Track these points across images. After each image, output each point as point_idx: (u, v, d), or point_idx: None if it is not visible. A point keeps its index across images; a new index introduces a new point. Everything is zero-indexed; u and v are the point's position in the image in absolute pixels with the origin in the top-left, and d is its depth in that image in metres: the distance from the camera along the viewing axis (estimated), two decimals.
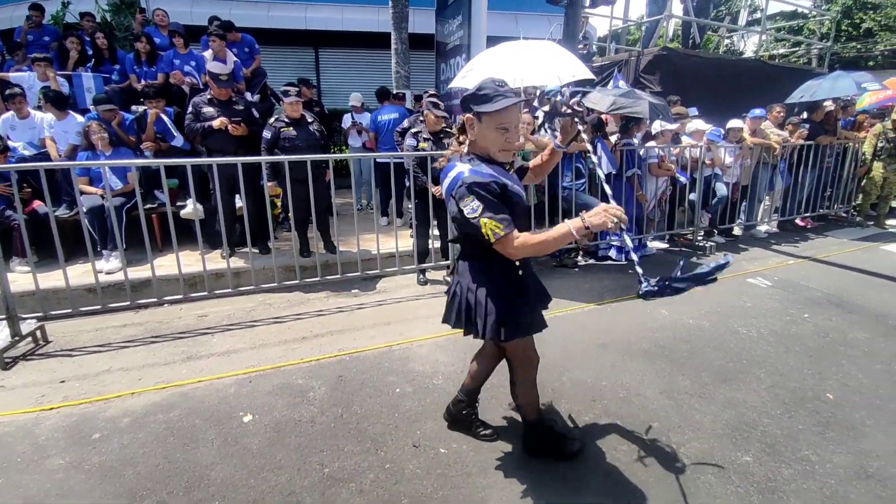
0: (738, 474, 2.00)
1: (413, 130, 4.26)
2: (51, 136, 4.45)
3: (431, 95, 4.41)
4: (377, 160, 5.34)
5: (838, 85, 6.08)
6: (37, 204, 4.02)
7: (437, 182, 4.07)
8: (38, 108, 4.73)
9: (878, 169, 6.29)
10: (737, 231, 6.14)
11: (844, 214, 6.93)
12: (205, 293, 3.63)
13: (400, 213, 5.75)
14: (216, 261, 4.11)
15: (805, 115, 6.26)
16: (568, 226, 1.52)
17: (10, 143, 4.26)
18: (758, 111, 5.78)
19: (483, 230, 1.57)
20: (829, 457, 2.11)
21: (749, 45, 16.07)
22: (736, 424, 2.31)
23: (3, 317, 3.02)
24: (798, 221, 6.45)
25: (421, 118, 4.96)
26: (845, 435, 2.25)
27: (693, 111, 6.18)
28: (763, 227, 6.28)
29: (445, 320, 1.92)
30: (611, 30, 9.67)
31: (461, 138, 1.76)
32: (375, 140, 6.09)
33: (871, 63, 17.65)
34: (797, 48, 13.83)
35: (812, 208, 6.36)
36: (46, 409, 2.46)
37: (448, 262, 4.28)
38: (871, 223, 6.50)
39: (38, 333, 3.15)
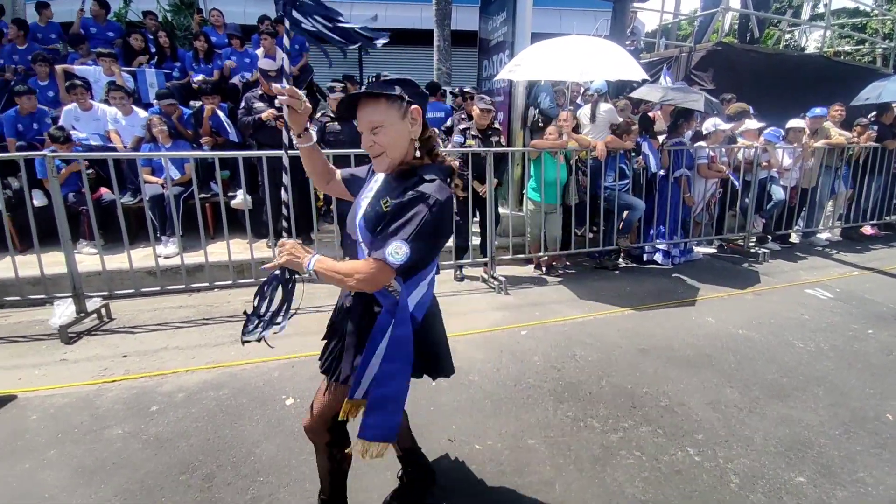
0: (791, 495, 1.89)
1: (461, 127, 4.27)
2: (115, 129, 4.76)
3: (474, 90, 4.41)
4: None
5: None
6: (103, 191, 4.32)
7: (480, 180, 4.11)
8: (105, 101, 5.06)
9: None
10: (794, 238, 5.78)
11: None
12: (252, 280, 3.79)
13: None
14: (262, 249, 4.28)
15: (872, 116, 5.80)
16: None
17: (75, 133, 4.57)
18: (818, 110, 5.41)
19: None
20: (883, 478, 1.98)
21: (811, 42, 15.03)
22: (790, 443, 2.19)
23: (70, 294, 3.27)
24: (864, 230, 6.00)
25: (463, 115, 4.98)
26: None
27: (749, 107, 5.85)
28: (825, 235, 5.88)
29: None
30: (660, 24, 9.29)
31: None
32: None
33: None
34: (861, 46, 12.79)
35: (878, 216, 5.89)
36: (108, 381, 2.65)
37: (486, 259, 4.27)
38: None
39: (103, 311, 3.40)
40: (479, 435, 2.22)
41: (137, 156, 3.71)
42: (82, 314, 3.27)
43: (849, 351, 3.06)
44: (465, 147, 4.08)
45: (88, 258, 3.98)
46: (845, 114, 5.74)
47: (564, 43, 3.89)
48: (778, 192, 5.14)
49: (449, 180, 1.36)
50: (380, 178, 1.43)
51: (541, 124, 5.17)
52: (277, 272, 1.47)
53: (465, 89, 5.34)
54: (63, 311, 3.19)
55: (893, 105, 5.68)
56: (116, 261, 3.73)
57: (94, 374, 2.72)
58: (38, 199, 4.08)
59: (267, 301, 1.47)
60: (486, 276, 4.24)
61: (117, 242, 3.66)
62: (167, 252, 4.12)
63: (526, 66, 3.86)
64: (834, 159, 5.41)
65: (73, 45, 5.95)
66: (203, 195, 4.66)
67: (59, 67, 5.26)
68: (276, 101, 1.71)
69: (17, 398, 2.48)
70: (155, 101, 5.13)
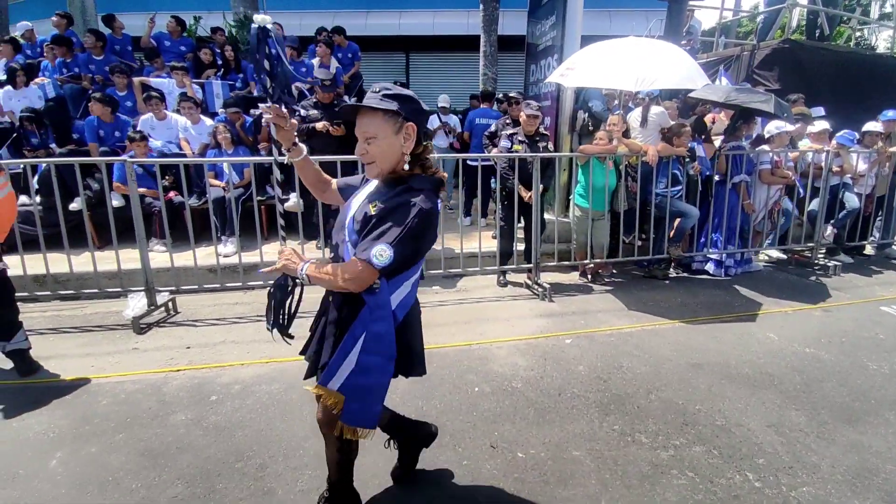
0: None
1: (508, 132, 4.26)
2: (184, 137, 5.15)
3: (520, 95, 4.38)
4: (467, 161, 5.43)
5: None
6: (173, 194, 4.67)
7: (526, 185, 4.08)
8: (177, 111, 5.48)
9: None
10: (869, 250, 5.31)
11: None
12: None
13: (484, 213, 5.80)
14: (312, 251, 4.47)
15: None
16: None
17: (151, 141, 4.99)
18: (891, 113, 4.95)
19: None
20: None
21: (882, 41, 13.75)
22: (857, 471, 2.01)
23: (143, 288, 3.56)
24: None
25: (507, 120, 4.96)
26: None
27: (819, 111, 5.45)
28: None
29: None
30: (719, 22, 8.84)
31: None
32: (469, 140, 6.18)
33: None
34: None
35: None
36: (174, 370, 2.85)
37: (531, 265, 4.23)
38: None
39: (170, 304, 3.67)
40: (521, 443, 2.20)
41: (204, 161, 3.98)
42: (153, 307, 3.54)
43: None
44: (513, 152, 4.07)
45: (158, 255, 4.32)
46: None
47: (620, 46, 3.78)
48: (852, 200, 4.75)
49: (437, 191, 1.44)
50: (373, 183, 1.51)
51: (591, 128, 5.07)
52: (280, 277, 1.56)
53: (511, 94, 5.34)
54: (136, 303, 3.48)
55: None
56: (182, 258, 4.01)
57: (161, 363, 2.94)
58: (116, 200, 4.48)
59: (273, 302, 1.58)
60: (529, 283, 4.20)
61: (184, 241, 3.94)
62: (226, 251, 4.39)
63: (579, 70, 3.79)
64: None
65: (149, 59, 6.46)
66: (259, 198, 4.94)
67: (136, 80, 5.75)
68: (263, 120, 1.82)
69: (90, 382, 2.72)
70: (220, 110, 5.49)
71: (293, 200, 4.46)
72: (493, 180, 4.41)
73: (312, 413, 2.40)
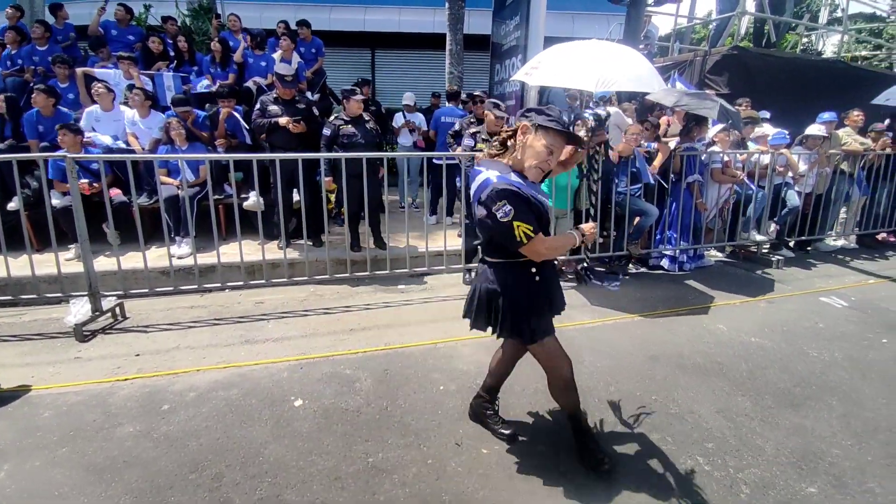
0: None
1: (471, 131, 4.28)
2: (132, 132, 4.86)
3: (484, 94, 4.42)
4: (433, 160, 5.42)
5: None
6: (114, 193, 4.35)
7: None
8: (124, 103, 5.17)
9: None
10: (813, 246, 5.68)
11: None
12: (262, 281, 3.84)
13: (450, 211, 5.80)
14: (273, 251, 4.33)
15: (888, 122, 5.69)
16: (574, 234, 1.88)
17: (95, 135, 4.66)
18: (827, 115, 5.31)
19: (515, 232, 1.68)
20: (893, 488, 1.94)
21: (828, 46, 14.78)
22: (802, 453, 2.15)
23: (86, 293, 3.34)
24: (879, 237, 5.87)
25: (472, 119, 4.99)
26: None
27: (764, 114, 5.77)
28: (840, 242, 5.77)
29: (465, 315, 2.03)
30: (675, 28, 9.22)
31: (509, 143, 1.84)
32: (434, 139, 6.16)
33: None
34: (878, 52, 12.55)
35: (894, 223, 5.76)
36: (121, 379, 2.69)
37: None
38: None
39: (117, 310, 3.46)
40: (486, 440, 2.22)
41: (155, 158, 3.78)
42: (97, 313, 3.33)
43: (863, 360, 3.00)
44: (476, 150, 4.09)
45: (104, 258, 4.07)
46: (864, 119, 5.64)
47: (582, 48, 3.85)
48: (793, 199, 5.06)
49: None
50: (524, 182, 1.79)
51: None
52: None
53: (475, 93, 5.37)
54: (78, 309, 3.26)
55: None
56: (131, 260, 3.81)
57: (107, 372, 2.77)
58: (56, 199, 4.18)
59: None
60: None
61: (132, 242, 3.73)
62: (181, 252, 4.19)
63: (543, 69, 3.84)
64: (848, 165, 5.31)
65: (94, 49, 6.08)
66: (217, 196, 4.74)
67: (79, 70, 5.38)
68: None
69: (30, 393, 2.54)
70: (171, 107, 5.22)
71: (253, 199, 4.32)
72: (458, 179, 4.42)
73: (273, 417, 2.34)
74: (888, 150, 5.40)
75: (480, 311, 1.91)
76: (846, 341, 3.26)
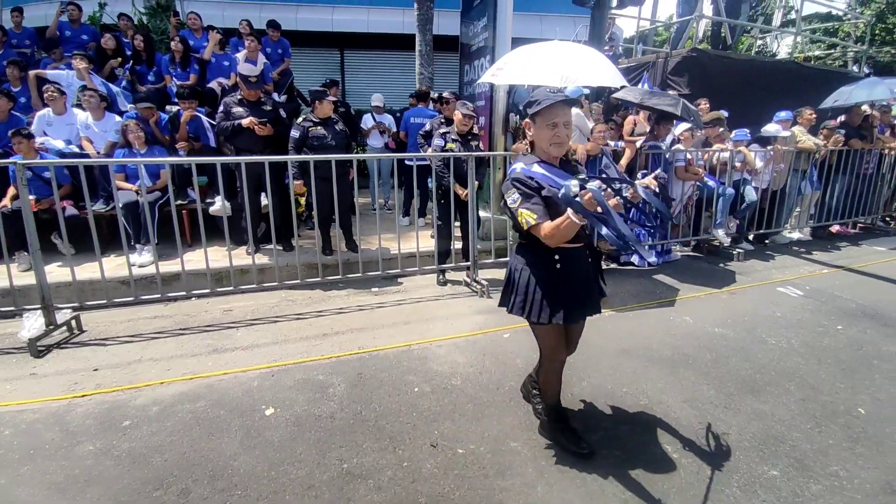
0: (765, 488, 1.94)
1: (441, 131, 4.28)
2: (86, 136, 4.63)
3: (454, 95, 4.43)
4: (404, 161, 5.39)
5: (875, 91, 5.86)
6: (66, 204, 4.11)
7: (462, 183, 4.12)
8: (77, 105, 4.92)
9: None
10: (770, 239, 5.95)
11: (882, 224, 6.65)
12: (230, 288, 3.73)
13: (422, 212, 5.79)
14: (242, 257, 4.21)
15: (841, 118, 6.03)
16: (570, 215, 1.67)
17: (46, 139, 4.43)
18: (783, 114, 5.59)
19: (520, 218, 1.82)
20: (857, 472, 2.03)
21: (783, 47, 15.56)
22: (763, 437, 2.25)
23: (39, 307, 3.16)
24: (833, 229, 6.21)
25: (441, 119, 4.99)
26: (875, 451, 2.17)
27: (722, 113, 6.01)
28: (795, 235, 6.07)
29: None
30: (638, 31, 9.50)
31: (525, 141, 1.98)
32: (405, 140, 6.13)
33: None
34: (832, 51, 13.30)
35: (846, 216, 6.11)
36: (79, 396, 2.56)
37: (468, 263, 4.29)
38: None
39: (73, 323, 3.29)
40: (461, 439, 2.22)
41: (110, 162, 3.61)
42: (51, 326, 3.16)
43: (819, 347, 3.16)
44: (446, 151, 4.10)
45: (58, 269, 3.86)
46: (816, 117, 5.95)
47: (547, 48, 3.94)
48: (751, 194, 5.29)
49: None
50: (549, 174, 1.84)
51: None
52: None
53: (444, 94, 5.38)
54: (32, 323, 3.09)
55: (861, 107, 5.92)
56: (88, 270, 3.62)
57: (64, 388, 2.63)
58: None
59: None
60: (468, 280, 4.25)
61: (88, 252, 3.55)
62: (142, 261, 4.02)
63: (508, 69, 3.89)
64: (801, 162, 5.60)
65: (47, 50, 5.79)
66: (180, 202, 4.58)
67: (31, 73, 5.11)
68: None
69: None
70: (130, 107, 5.02)
71: (218, 204, 4.20)
72: (429, 180, 4.42)
73: (243, 428, 2.27)
74: (839, 147, 5.72)
75: (503, 289, 2.06)
76: (802, 328, 3.43)
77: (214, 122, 4.48)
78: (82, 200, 3.46)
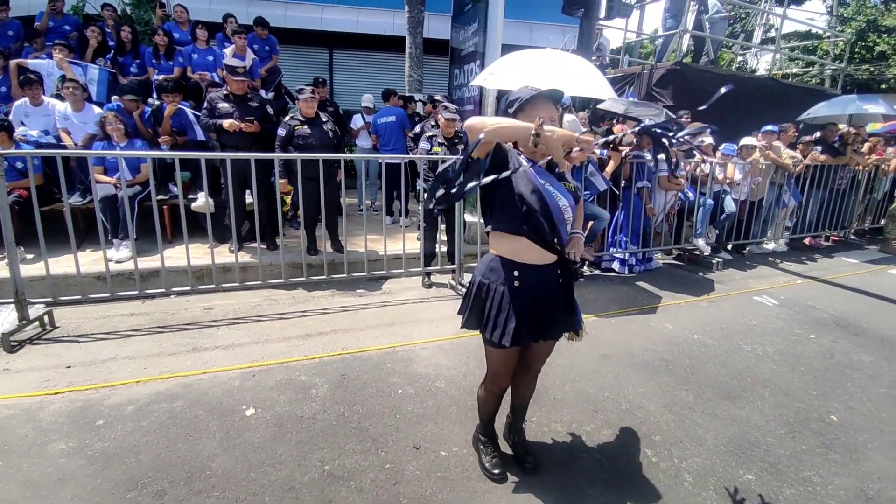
0: (740, 492, 1.99)
1: (428, 134, 4.29)
2: (64, 127, 4.51)
3: (445, 98, 4.44)
4: (387, 161, 5.37)
5: (850, 108, 6.10)
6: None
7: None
8: (56, 95, 4.79)
9: None
10: (748, 249, 6.11)
11: (854, 237, 6.91)
12: (212, 286, 3.66)
13: (406, 212, 5.78)
14: (224, 255, 4.14)
15: (817, 134, 6.26)
16: (531, 126, 1.46)
17: (24, 129, 4.30)
18: (770, 127, 5.77)
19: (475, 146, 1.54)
20: (830, 478, 2.09)
21: (762, 64, 16.09)
22: (739, 442, 2.30)
23: (12, 300, 3.05)
24: (807, 241, 6.42)
25: (433, 122, 5.01)
26: (847, 457, 2.24)
27: (713, 128, 6.17)
28: (771, 245, 6.26)
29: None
30: (625, 42, 9.70)
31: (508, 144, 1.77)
32: (377, 142, 6.13)
33: (883, 86, 17.58)
34: (810, 68, 13.82)
35: (820, 228, 6.33)
36: (51, 393, 2.48)
37: (454, 265, 4.30)
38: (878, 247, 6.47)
39: (46, 318, 3.18)
40: (444, 442, 2.22)
41: (88, 154, 3.51)
42: (24, 322, 3.05)
43: (792, 354, 3.26)
44: (432, 154, 4.10)
45: (32, 263, 3.73)
46: (797, 134, 6.15)
47: (537, 55, 3.99)
48: (730, 205, 5.44)
49: None
50: (528, 168, 1.66)
51: None
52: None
53: (436, 97, 5.40)
54: (5, 317, 2.98)
55: (837, 124, 6.17)
56: (62, 265, 3.51)
57: (36, 385, 2.54)
58: None
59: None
60: (454, 283, 4.26)
61: (63, 245, 3.44)
62: (119, 256, 3.91)
63: (498, 74, 3.93)
64: (778, 177, 5.78)
65: (29, 40, 5.64)
66: (161, 197, 4.48)
67: (12, 62, 4.95)
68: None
69: None
70: (114, 98, 4.90)
71: (201, 200, 4.12)
72: (418, 181, 4.42)
73: (222, 428, 2.23)
74: (816, 162, 5.92)
75: (464, 295, 1.85)
76: (777, 336, 3.53)
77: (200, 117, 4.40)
78: (58, 192, 3.35)
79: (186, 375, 2.67)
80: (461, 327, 1.83)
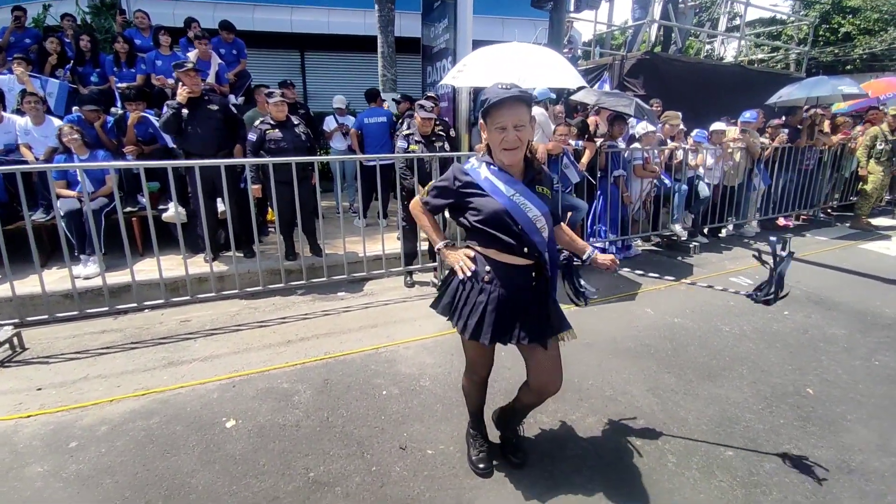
0: (722, 469, 2.02)
1: (404, 132, 4.25)
2: (25, 142, 4.34)
3: (428, 97, 4.41)
4: (364, 162, 5.32)
5: (815, 90, 6.27)
6: None
7: (424, 184, 4.10)
8: (17, 111, 4.61)
9: (878, 171, 6.43)
10: (723, 232, 6.25)
11: (823, 215, 7.11)
12: (187, 297, 3.57)
13: (385, 213, 5.73)
14: (200, 265, 4.04)
15: (784, 118, 6.42)
16: (438, 242, 1.81)
17: None
18: (748, 114, 5.85)
19: (421, 192, 1.83)
20: (810, 451, 2.14)
21: (729, 51, 16.47)
22: (719, 420, 2.34)
23: None
24: (779, 221, 6.59)
25: (413, 120, 4.97)
26: (826, 429, 2.29)
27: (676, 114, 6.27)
28: (745, 227, 6.40)
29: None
30: (595, 34, 9.80)
31: (481, 144, 1.77)
32: (360, 141, 6.05)
33: (849, 67, 18.12)
34: (775, 53, 14.17)
35: (790, 208, 6.50)
36: (24, 416, 2.39)
37: (436, 264, 4.27)
38: (848, 224, 6.68)
39: (15, 340, 3.06)
40: (430, 440, 2.20)
41: (48, 168, 3.38)
42: None
43: (768, 332, 3.34)
44: (409, 153, 4.07)
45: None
46: (764, 120, 6.29)
47: (506, 49, 3.98)
48: (704, 190, 5.54)
49: None
50: (496, 181, 1.65)
51: None
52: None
53: (420, 102, 5.35)
54: None
55: (802, 107, 6.33)
56: (28, 285, 3.38)
57: (8, 409, 2.45)
58: None
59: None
60: (436, 281, 4.24)
61: (30, 264, 3.30)
62: (87, 272, 3.77)
63: (468, 71, 3.91)
64: (747, 161, 5.92)
65: None
66: (129, 209, 4.35)
67: None
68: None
69: None
70: (75, 109, 4.73)
71: (172, 210, 4.01)
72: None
73: (201, 443, 2.16)
74: (783, 145, 6.08)
75: (439, 286, 1.89)
76: (753, 315, 3.60)
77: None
78: (21, 210, 3.22)
79: (162, 391, 2.59)
80: (430, 306, 1.87)
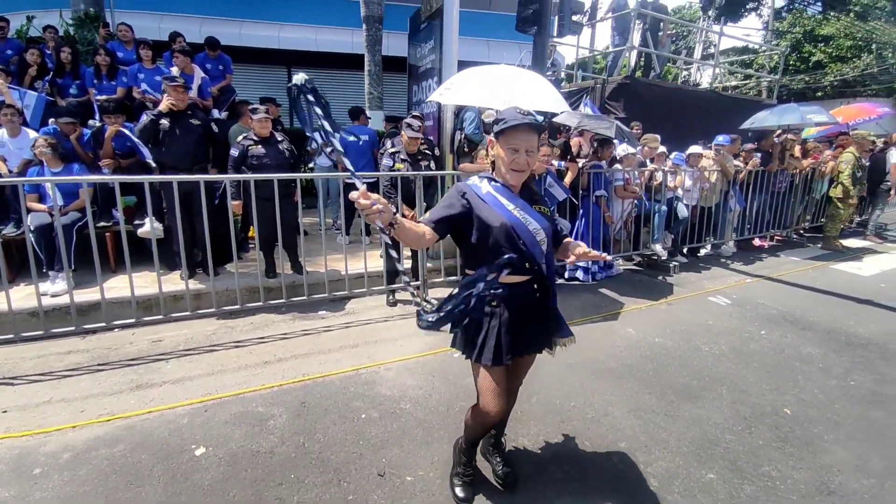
0: (703, 492, 2.01)
1: (390, 151, 4.25)
2: (0, 155, 4.22)
3: (414, 117, 4.44)
4: (346, 180, 5.29)
5: (785, 117, 6.53)
6: None
7: (410, 203, 4.10)
8: None
9: (855, 194, 6.66)
10: (702, 252, 6.38)
11: (796, 236, 7.34)
12: (160, 316, 3.45)
13: (368, 231, 5.69)
14: (175, 282, 3.93)
15: (756, 144, 6.66)
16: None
17: None
18: (721, 138, 6.05)
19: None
20: (789, 472, 2.15)
21: (705, 77, 17.15)
22: (700, 442, 2.34)
23: None
24: (755, 242, 6.76)
25: (399, 139, 4.99)
26: (805, 450, 2.31)
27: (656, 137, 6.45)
28: (722, 247, 6.55)
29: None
30: (578, 58, 10.08)
31: (487, 158, 1.85)
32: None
33: (819, 94, 18.96)
34: (748, 80, 14.79)
35: (765, 229, 6.69)
36: None
37: (418, 282, 4.24)
38: (820, 245, 6.90)
39: None
40: (410, 466, 2.14)
41: (19, 181, 3.27)
42: None
43: (746, 351, 3.38)
44: (395, 171, 4.08)
45: None
46: (741, 143, 6.51)
47: (493, 71, 4.05)
48: (682, 211, 5.67)
49: None
50: (499, 196, 1.69)
51: (466, 149, 5.32)
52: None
53: (408, 121, 5.40)
54: None
55: (774, 132, 6.59)
56: None
57: None
58: None
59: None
60: (418, 300, 4.20)
61: None
62: (55, 289, 3.62)
63: (455, 90, 3.96)
64: (722, 183, 6.10)
65: None
66: (104, 223, 4.23)
67: None
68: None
69: None
70: (51, 121, 4.63)
71: (148, 226, 3.90)
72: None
73: (167, 472, 2.06)
74: (756, 168, 6.29)
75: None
76: (731, 335, 3.66)
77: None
78: None
79: (129, 416, 2.48)
80: (451, 346, 1.83)
